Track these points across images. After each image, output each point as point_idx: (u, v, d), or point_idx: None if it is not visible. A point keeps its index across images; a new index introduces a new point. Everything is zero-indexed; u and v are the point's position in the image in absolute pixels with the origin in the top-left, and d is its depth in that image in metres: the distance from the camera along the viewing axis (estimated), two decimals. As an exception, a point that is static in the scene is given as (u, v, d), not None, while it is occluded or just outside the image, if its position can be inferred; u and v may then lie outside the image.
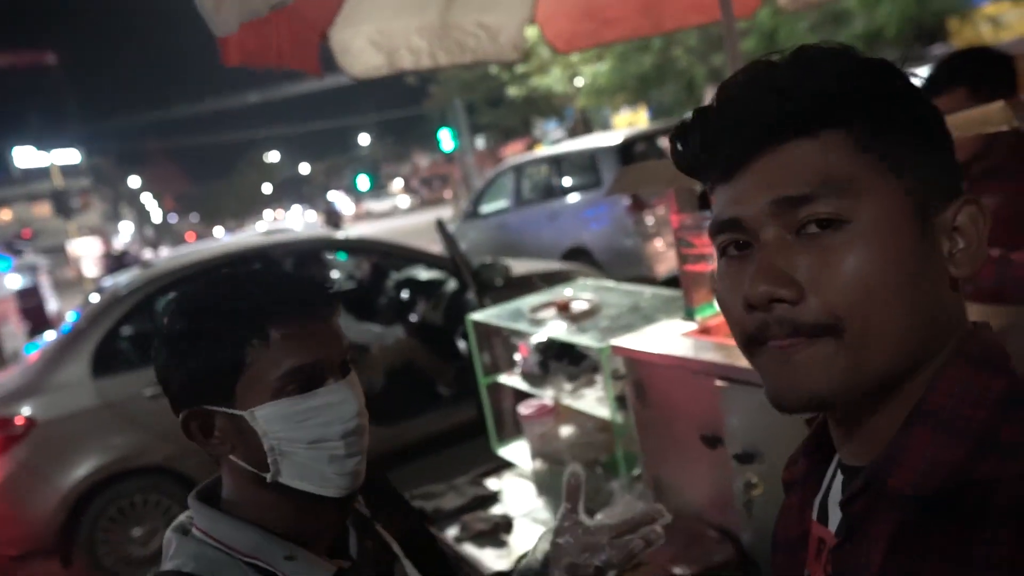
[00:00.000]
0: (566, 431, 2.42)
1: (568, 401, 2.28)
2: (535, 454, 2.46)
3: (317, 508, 0.95)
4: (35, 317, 12.90)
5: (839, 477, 0.69)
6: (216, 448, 0.93)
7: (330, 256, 6.61)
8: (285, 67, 2.07)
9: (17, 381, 4.24)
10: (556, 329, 2.27)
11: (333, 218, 17.16)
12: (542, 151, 10.01)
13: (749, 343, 0.62)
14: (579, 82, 17.12)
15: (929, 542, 0.56)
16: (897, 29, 12.35)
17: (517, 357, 2.57)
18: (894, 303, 0.57)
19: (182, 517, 0.97)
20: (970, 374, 0.59)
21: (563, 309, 2.38)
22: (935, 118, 0.62)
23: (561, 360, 2.39)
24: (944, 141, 0.63)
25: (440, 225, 4.08)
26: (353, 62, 2.44)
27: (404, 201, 45.59)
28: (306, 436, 0.90)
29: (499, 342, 2.81)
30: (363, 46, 2.44)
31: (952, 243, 0.61)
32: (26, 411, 3.98)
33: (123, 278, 5.14)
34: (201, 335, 0.89)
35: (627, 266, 6.61)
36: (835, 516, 0.67)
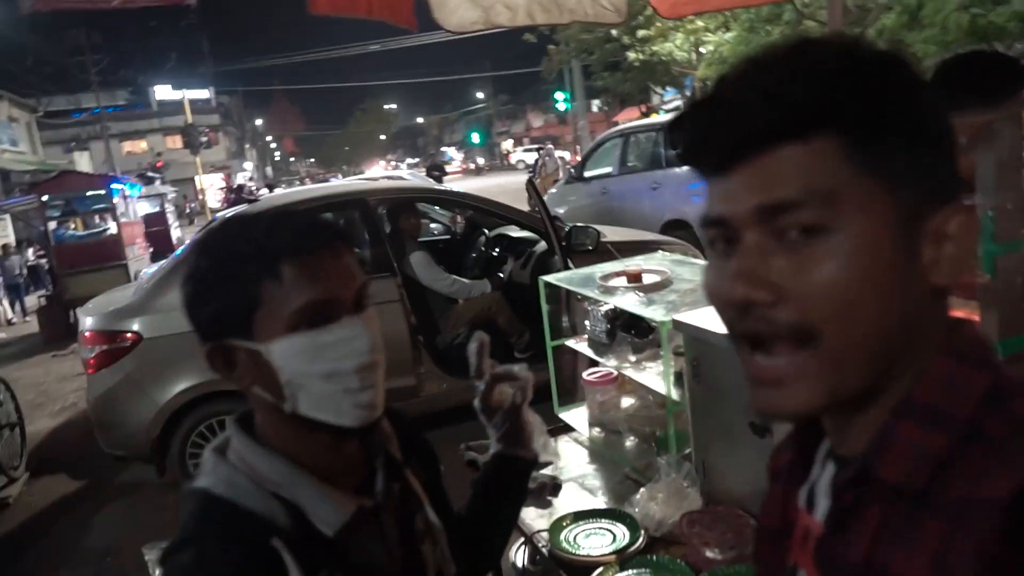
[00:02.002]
0: (626, 402, 2.41)
1: (630, 372, 2.26)
2: (593, 421, 2.46)
3: (339, 440, 0.98)
4: (159, 242, 13.80)
5: (829, 467, 0.69)
6: (240, 381, 0.96)
7: (427, 207, 6.74)
8: (375, 18, 2.10)
9: (131, 299, 4.58)
10: (624, 299, 2.25)
11: (436, 171, 17.23)
12: (651, 119, 9.79)
13: (732, 334, 0.64)
14: (703, 51, 16.56)
15: (914, 534, 0.56)
16: (1062, 13, 11.26)
17: (586, 323, 2.57)
18: (871, 314, 0.57)
19: (222, 437, 1.03)
20: (956, 369, 0.60)
21: (634, 279, 2.35)
22: (936, 119, 0.59)
23: (628, 331, 2.36)
24: (943, 143, 0.60)
25: (531, 185, 4.09)
26: (449, 16, 2.45)
27: (513, 158, 45.70)
28: (320, 370, 0.92)
29: (571, 306, 2.81)
30: (460, 0, 2.45)
31: (938, 249, 0.59)
32: (135, 327, 4.30)
33: (232, 212, 5.43)
34: (220, 273, 0.92)
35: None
36: (822, 505, 0.68)
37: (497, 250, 5.70)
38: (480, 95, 54.03)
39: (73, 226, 12.87)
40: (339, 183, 10.14)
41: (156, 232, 14.33)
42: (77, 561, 4.05)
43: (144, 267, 10.57)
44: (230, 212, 5.55)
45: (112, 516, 4.51)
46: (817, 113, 0.57)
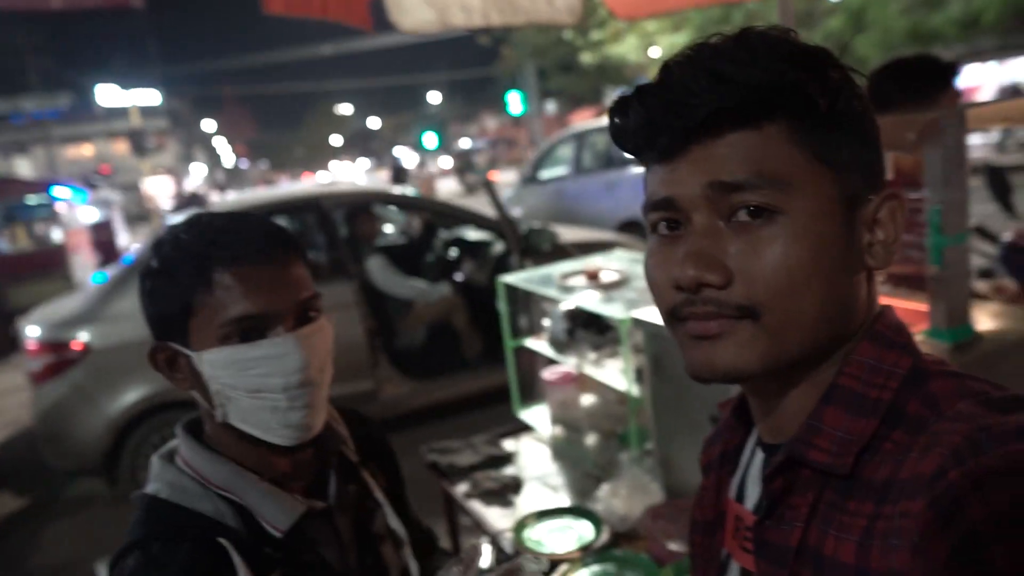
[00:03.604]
0: (587, 400, 2.42)
1: (590, 370, 2.27)
2: (554, 420, 2.47)
3: (279, 450, 0.96)
4: (105, 249, 13.42)
5: (759, 456, 0.70)
6: (181, 383, 0.95)
7: (383, 210, 6.69)
8: (330, 19, 2.07)
9: (79, 307, 4.45)
10: (583, 297, 2.26)
11: (400, 174, 16.89)
12: (605, 120, 9.86)
13: (670, 318, 0.64)
14: (654, 52, 16.76)
15: (843, 517, 0.58)
16: (997, 15, 11.69)
17: (545, 322, 2.57)
18: (813, 294, 0.59)
19: (171, 444, 1.01)
20: (881, 354, 0.62)
21: (592, 278, 2.36)
22: (867, 111, 0.63)
23: (587, 329, 2.38)
24: (873, 134, 0.63)
25: (488, 187, 4.08)
26: (404, 17, 2.43)
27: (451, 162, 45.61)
28: (247, 384, 0.91)
29: (529, 306, 2.82)
30: (416, 2, 2.43)
31: (872, 235, 0.62)
32: (83, 337, 4.17)
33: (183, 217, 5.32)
34: (163, 275, 0.92)
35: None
36: (753, 494, 0.69)
37: (454, 252, 5.68)
38: (436, 97, 53.84)
39: (10, 236, 12.44)
40: (293, 187, 10.02)
41: (103, 239, 13.93)
42: (25, 579, 3.91)
43: (90, 275, 10.29)
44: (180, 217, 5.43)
45: (62, 532, 4.37)
46: (769, 99, 0.58)
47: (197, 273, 0.89)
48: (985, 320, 1.49)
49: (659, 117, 0.60)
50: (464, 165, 15.58)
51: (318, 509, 0.99)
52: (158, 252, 0.94)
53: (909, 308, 1.48)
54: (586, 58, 18.26)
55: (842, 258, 0.60)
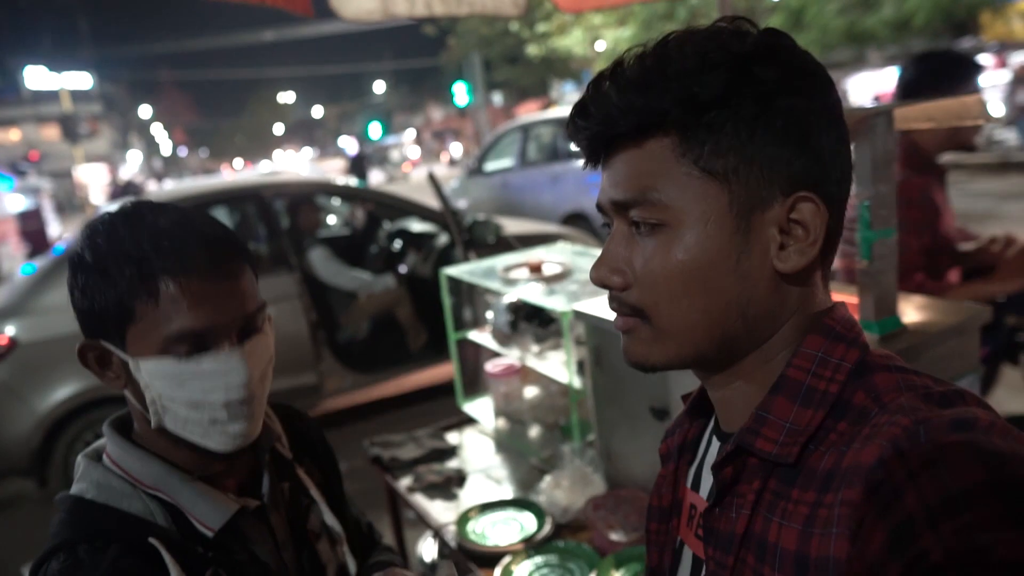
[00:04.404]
0: (530, 392, 2.43)
1: (533, 362, 2.28)
2: (498, 412, 2.47)
3: (213, 453, 0.94)
4: (35, 239, 12.92)
5: (715, 444, 0.72)
6: (112, 382, 0.92)
7: (325, 201, 6.60)
8: (269, 5, 2.03)
9: (5, 300, 4.27)
10: (525, 290, 2.27)
11: (359, 164, 15.74)
12: (550, 112, 9.91)
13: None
14: (600, 46, 16.87)
15: (787, 505, 0.60)
16: (927, 18, 12.09)
17: (489, 315, 2.57)
18: (693, 300, 0.63)
19: (98, 443, 0.98)
20: (828, 347, 0.64)
21: (535, 270, 2.37)
22: (788, 111, 0.61)
23: (530, 321, 2.39)
24: (804, 131, 0.62)
25: (432, 179, 4.06)
26: (347, 5, 2.40)
27: (414, 152, 45.40)
28: (186, 397, 0.88)
29: (473, 299, 2.81)
30: (357, -12, 2.39)
31: (785, 237, 0.63)
32: (9, 331, 4.01)
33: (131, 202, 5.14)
34: (99, 273, 0.86)
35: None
36: (707, 482, 0.71)
37: (398, 244, 5.63)
38: (381, 87, 53.20)
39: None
40: (233, 177, 9.80)
41: (31, 228, 13.40)
42: (-52, 584, 3.75)
43: (17, 266, 9.87)
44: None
45: (-12, 534, 4.21)
46: (646, 121, 0.62)
47: (140, 280, 0.85)
48: (911, 312, 1.54)
49: (576, 137, 0.67)
50: (356, 165, 15.25)
51: (251, 507, 0.97)
52: (92, 244, 0.88)
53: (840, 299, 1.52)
54: (532, 50, 18.27)
55: (734, 264, 0.62)
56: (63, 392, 3.95)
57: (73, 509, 0.90)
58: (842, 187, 0.65)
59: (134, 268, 0.85)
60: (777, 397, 0.63)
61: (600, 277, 0.67)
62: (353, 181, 6.86)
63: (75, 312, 0.90)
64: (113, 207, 0.96)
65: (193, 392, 0.88)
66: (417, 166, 36.26)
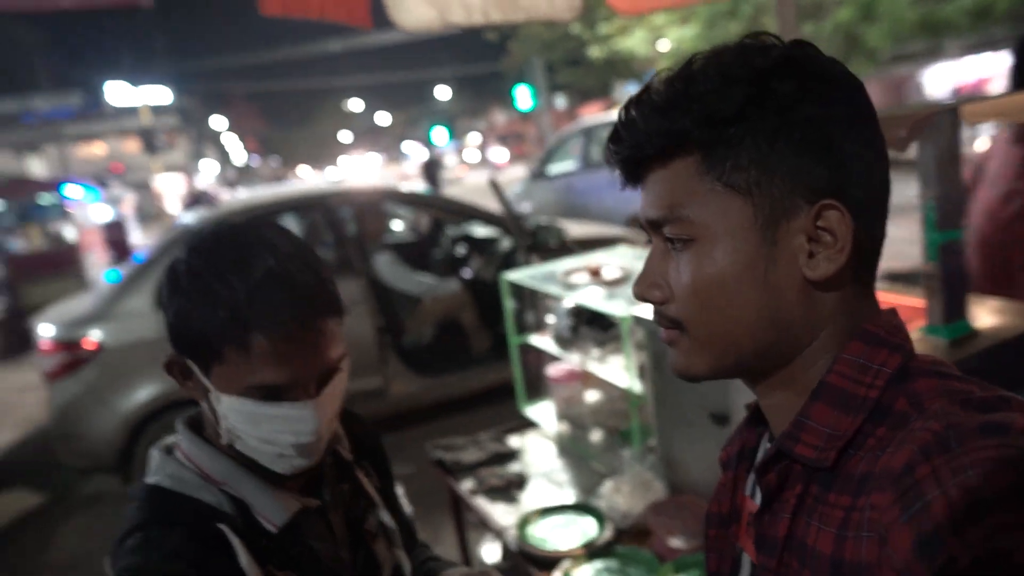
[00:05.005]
0: (591, 396, 2.43)
1: (594, 367, 2.28)
2: (559, 416, 2.49)
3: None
4: (118, 247, 13.53)
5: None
6: (192, 392, 0.97)
7: (391, 207, 6.72)
8: (328, 19, 2.09)
9: (91, 306, 4.49)
10: (586, 294, 2.27)
11: (432, 169, 15.77)
12: (613, 114, 9.85)
13: None
14: (662, 46, 16.68)
15: (824, 509, 0.61)
16: (1008, 4, 11.55)
17: (550, 319, 2.59)
18: (722, 311, 0.65)
19: (170, 439, 1.03)
20: (869, 352, 0.64)
21: (594, 274, 2.37)
22: (806, 121, 0.62)
23: (591, 326, 2.39)
24: (814, 144, 0.62)
25: (493, 184, 4.10)
26: (405, 15, 2.45)
27: (473, 156, 45.93)
28: (259, 434, 0.93)
29: (535, 303, 2.83)
30: (417, 0, 2.44)
31: (814, 245, 0.63)
32: (95, 335, 4.21)
33: (193, 216, 5.36)
34: (194, 305, 0.89)
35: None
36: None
37: (462, 249, 5.70)
38: (445, 92, 53.85)
39: (24, 235, 12.55)
40: (301, 185, 10.07)
41: (115, 238, 14.04)
42: None
43: (103, 273, 10.35)
44: (190, 216, 5.47)
45: (75, 529, 4.43)
46: (669, 143, 0.64)
47: (233, 330, 0.88)
48: (985, 316, 1.49)
49: (611, 160, 0.70)
50: (428, 170, 15.27)
51: (312, 507, 1.01)
52: (191, 271, 0.90)
53: (907, 304, 1.48)
54: (594, 52, 18.18)
55: (762, 274, 0.63)
56: (145, 394, 4.13)
57: (149, 496, 0.95)
58: (871, 192, 0.64)
59: (228, 314, 0.87)
60: (817, 403, 0.64)
61: (640, 292, 0.70)
62: (422, 186, 6.96)
63: (167, 324, 0.94)
64: (214, 225, 0.97)
65: (265, 431, 0.93)
66: (473, 170, 36.72)
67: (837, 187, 0.62)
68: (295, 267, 0.92)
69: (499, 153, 40.22)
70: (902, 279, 1.89)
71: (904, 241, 2.36)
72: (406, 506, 1.26)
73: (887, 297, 1.50)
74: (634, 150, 0.66)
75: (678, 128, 0.63)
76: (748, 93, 0.61)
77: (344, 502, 1.07)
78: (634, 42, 16.82)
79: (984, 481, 0.49)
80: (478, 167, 40.51)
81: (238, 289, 0.88)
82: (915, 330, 1.41)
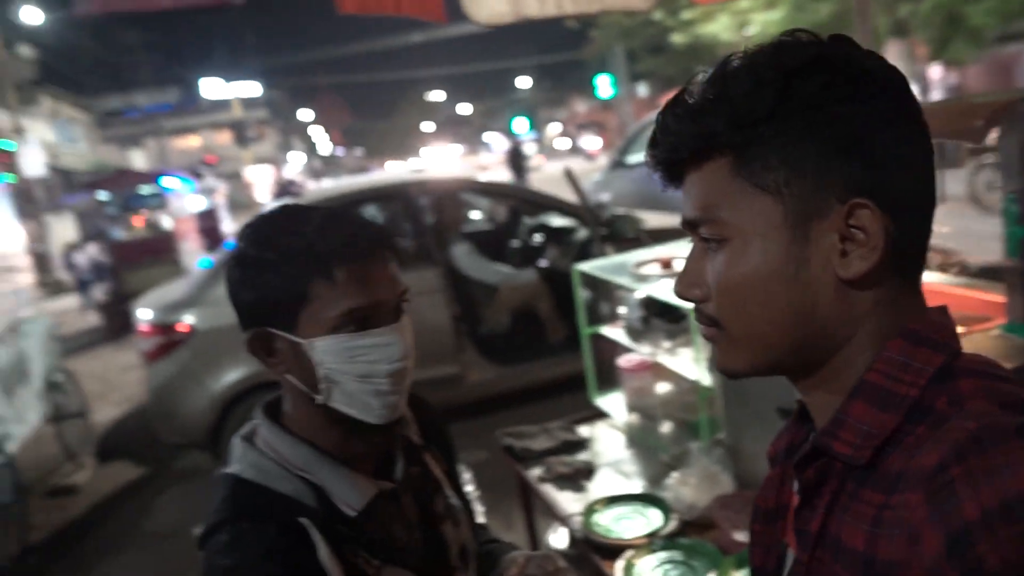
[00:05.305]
0: (662, 388, 2.43)
1: (664, 359, 2.28)
2: (630, 407, 2.49)
3: (360, 432, 1.03)
4: (210, 235, 14.13)
5: None
6: (276, 367, 1.02)
7: (469, 197, 6.80)
8: (404, 15, 2.14)
9: (185, 291, 4.74)
10: (656, 286, 2.27)
11: (516, 158, 15.60)
12: (695, 102, 9.64)
13: None
14: (748, 31, 16.23)
15: (858, 506, 0.61)
16: None
17: (622, 310, 2.59)
18: (755, 309, 0.66)
19: (250, 425, 1.09)
20: (911, 351, 0.63)
21: (666, 266, 2.36)
22: (836, 119, 0.61)
23: (662, 317, 2.38)
24: (844, 141, 0.62)
25: (569, 174, 4.10)
26: (479, 9, 2.48)
27: (563, 144, 45.91)
28: (356, 370, 0.98)
29: (609, 294, 2.84)
30: (491, -7, 2.48)
31: (848, 243, 0.63)
32: (188, 319, 4.45)
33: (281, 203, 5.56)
34: (271, 265, 0.96)
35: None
36: None
37: (539, 239, 5.73)
38: (525, 82, 53.81)
39: (128, 223, 13.27)
40: (382, 175, 10.27)
41: (208, 226, 14.68)
42: (139, 544, 4.23)
43: (196, 261, 10.84)
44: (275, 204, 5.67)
45: (171, 501, 4.70)
46: (703, 146, 0.65)
47: (315, 265, 0.96)
48: (1075, 313, 1.42)
49: (651, 165, 0.71)
50: (513, 160, 15.02)
51: (387, 490, 1.06)
52: (257, 242, 0.99)
53: (988, 300, 1.42)
54: (676, 39, 17.86)
55: (793, 273, 0.64)
56: (233, 376, 4.34)
57: (235, 488, 1.01)
58: (909, 190, 0.64)
59: (307, 255, 0.96)
60: (856, 401, 0.64)
61: (680, 291, 0.72)
62: (505, 176, 7.02)
63: (236, 307, 1.01)
64: (265, 210, 1.07)
65: (362, 365, 0.98)
66: (552, 159, 36.72)
67: (870, 185, 0.62)
68: (348, 214, 1.03)
69: (591, 141, 39.95)
70: (986, 274, 1.82)
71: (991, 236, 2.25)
72: (471, 490, 1.30)
73: (965, 293, 1.45)
74: (670, 153, 0.68)
75: (709, 130, 0.64)
76: (777, 94, 0.61)
77: (414, 485, 1.12)
78: (718, 28, 16.43)
79: (1018, 483, 0.48)
80: (567, 155, 40.44)
81: (306, 234, 0.97)
82: (993, 328, 1.35)
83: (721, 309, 0.68)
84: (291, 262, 0.96)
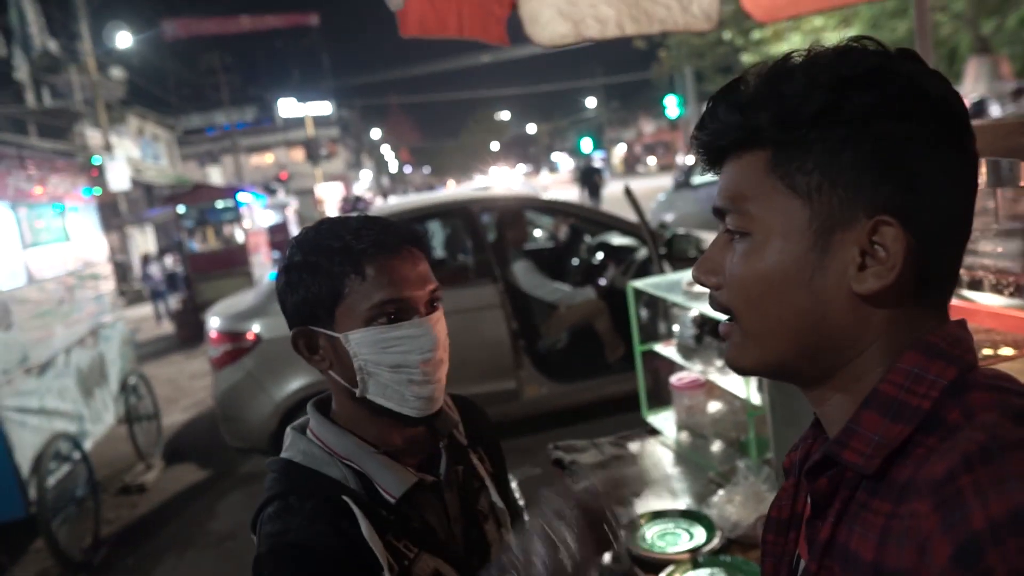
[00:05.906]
0: (713, 406, 2.41)
1: (715, 377, 2.27)
2: (681, 425, 2.48)
3: (400, 425, 1.09)
4: (281, 249, 14.58)
5: None
6: (319, 364, 1.09)
7: (531, 214, 6.86)
8: (466, 37, 2.21)
9: (253, 302, 4.92)
10: (708, 304, 2.26)
11: (589, 176, 15.20)
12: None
13: None
14: (821, 50, 15.91)
15: (868, 515, 0.61)
16: None
17: (675, 328, 2.59)
18: (768, 308, 0.66)
19: (302, 419, 1.16)
20: (925, 363, 0.63)
21: (719, 285, 2.36)
22: (880, 135, 0.61)
23: (714, 336, 2.38)
24: (883, 159, 0.61)
25: (629, 193, 4.11)
26: (541, 31, 2.54)
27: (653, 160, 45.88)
28: (389, 361, 1.04)
29: (665, 312, 2.84)
30: (551, 16, 2.53)
31: (865, 258, 0.62)
32: (255, 328, 4.62)
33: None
34: (309, 267, 1.05)
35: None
36: None
37: (599, 257, 5.74)
38: (592, 102, 53.93)
39: (202, 237, 13.80)
40: (447, 192, 10.45)
41: (279, 240, 15.16)
42: (203, 543, 4.39)
43: (267, 273, 11.21)
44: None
45: (234, 503, 4.86)
46: (744, 138, 0.65)
47: (349, 263, 1.03)
48: None
49: (693, 146, 0.72)
50: (585, 179, 14.78)
51: (428, 482, 1.10)
52: (300, 249, 1.08)
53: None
54: (747, 59, 17.65)
55: (807, 279, 0.63)
56: (295, 383, 4.48)
57: (285, 470, 1.09)
58: (943, 217, 0.63)
59: (342, 255, 1.04)
60: (867, 411, 0.64)
61: (697, 275, 0.72)
62: (573, 195, 7.06)
63: (283, 310, 1.10)
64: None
65: (394, 355, 1.04)
66: (614, 178, 36.65)
67: (901, 206, 0.61)
68: (383, 219, 1.11)
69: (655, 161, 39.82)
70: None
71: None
72: (519, 498, 1.33)
73: (1019, 314, 1.41)
74: (712, 138, 0.68)
75: (753, 124, 0.64)
76: (826, 100, 0.61)
77: (459, 483, 1.16)
78: (790, 47, 16.13)
79: None
80: (659, 172, 40.33)
81: (343, 235, 1.05)
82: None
83: (734, 300, 0.68)
84: (328, 262, 1.04)
